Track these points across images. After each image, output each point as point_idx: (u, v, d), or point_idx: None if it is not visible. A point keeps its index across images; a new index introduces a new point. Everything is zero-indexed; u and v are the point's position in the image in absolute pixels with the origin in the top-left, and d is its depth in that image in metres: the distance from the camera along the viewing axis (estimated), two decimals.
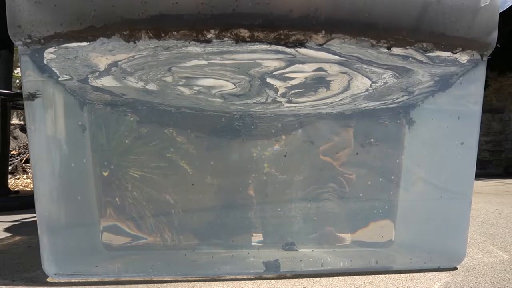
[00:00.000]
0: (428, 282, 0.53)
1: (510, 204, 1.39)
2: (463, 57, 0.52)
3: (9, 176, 1.97)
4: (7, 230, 0.96)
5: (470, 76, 0.56)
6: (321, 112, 0.63)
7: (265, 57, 0.48)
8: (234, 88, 0.55)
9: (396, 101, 0.62)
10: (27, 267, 0.61)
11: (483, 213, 1.16)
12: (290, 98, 0.59)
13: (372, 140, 0.62)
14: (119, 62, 0.49)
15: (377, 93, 0.60)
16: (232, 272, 0.56)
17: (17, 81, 2.71)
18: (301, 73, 0.53)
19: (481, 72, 0.56)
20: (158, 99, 0.59)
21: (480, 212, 1.19)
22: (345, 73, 0.53)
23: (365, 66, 0.51)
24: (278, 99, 0.59)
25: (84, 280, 0.54)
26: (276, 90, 0.56)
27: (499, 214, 1.15)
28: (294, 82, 0.55)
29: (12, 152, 2.39)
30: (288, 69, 0.51)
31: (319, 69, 0.52)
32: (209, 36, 0.43)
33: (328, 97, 0.60)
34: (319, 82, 0.56)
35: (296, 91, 0.57)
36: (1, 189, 1.48)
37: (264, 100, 0.59)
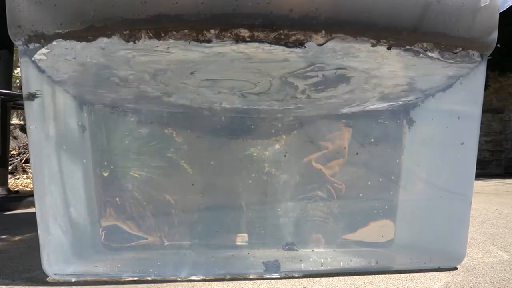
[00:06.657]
0: (428, 282, 0.53)
1: (510, 204, 1.39)
2: (463, 57, 0.52)
3: (9, 176, 1.97)
4: (7, 230, 0.96)
5: (470, 76, 0.56)
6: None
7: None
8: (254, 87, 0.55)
9: (398, 101, 0.62)
10: (27, 267, 0.61)
11: (483, 213, 1.16)
12: (309, 94, 0.58)
13: (372, 140, 0.62)
14: (119, 62, 0.49)
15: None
16: (232, 272, 0.56)
17: (17, 81, 2.71)
18: None
19: (481, 72, 0.56)
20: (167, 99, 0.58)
21: (480, 212, 1.19)
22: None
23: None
24: (298, 95, 0.58)
25: (84, 280, 0.54)
26: (296, 88, 0.55)
27: (499, 214, 1.15)
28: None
29: (12, 152, 2.39)
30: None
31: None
32: (209, 36, 0.43)
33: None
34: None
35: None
36: (1, 189, 1.48)
37: (282, 97, 0.58)
